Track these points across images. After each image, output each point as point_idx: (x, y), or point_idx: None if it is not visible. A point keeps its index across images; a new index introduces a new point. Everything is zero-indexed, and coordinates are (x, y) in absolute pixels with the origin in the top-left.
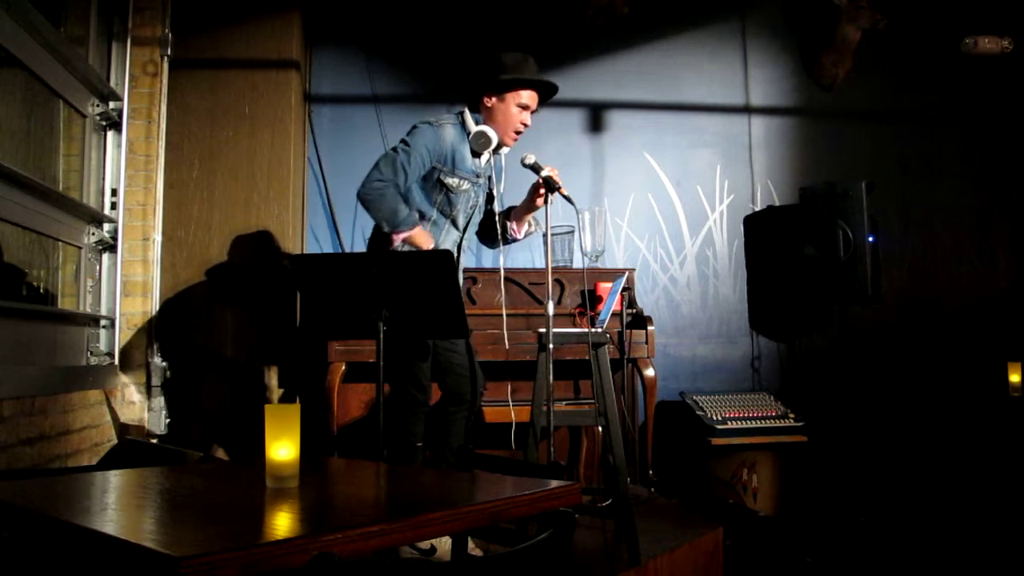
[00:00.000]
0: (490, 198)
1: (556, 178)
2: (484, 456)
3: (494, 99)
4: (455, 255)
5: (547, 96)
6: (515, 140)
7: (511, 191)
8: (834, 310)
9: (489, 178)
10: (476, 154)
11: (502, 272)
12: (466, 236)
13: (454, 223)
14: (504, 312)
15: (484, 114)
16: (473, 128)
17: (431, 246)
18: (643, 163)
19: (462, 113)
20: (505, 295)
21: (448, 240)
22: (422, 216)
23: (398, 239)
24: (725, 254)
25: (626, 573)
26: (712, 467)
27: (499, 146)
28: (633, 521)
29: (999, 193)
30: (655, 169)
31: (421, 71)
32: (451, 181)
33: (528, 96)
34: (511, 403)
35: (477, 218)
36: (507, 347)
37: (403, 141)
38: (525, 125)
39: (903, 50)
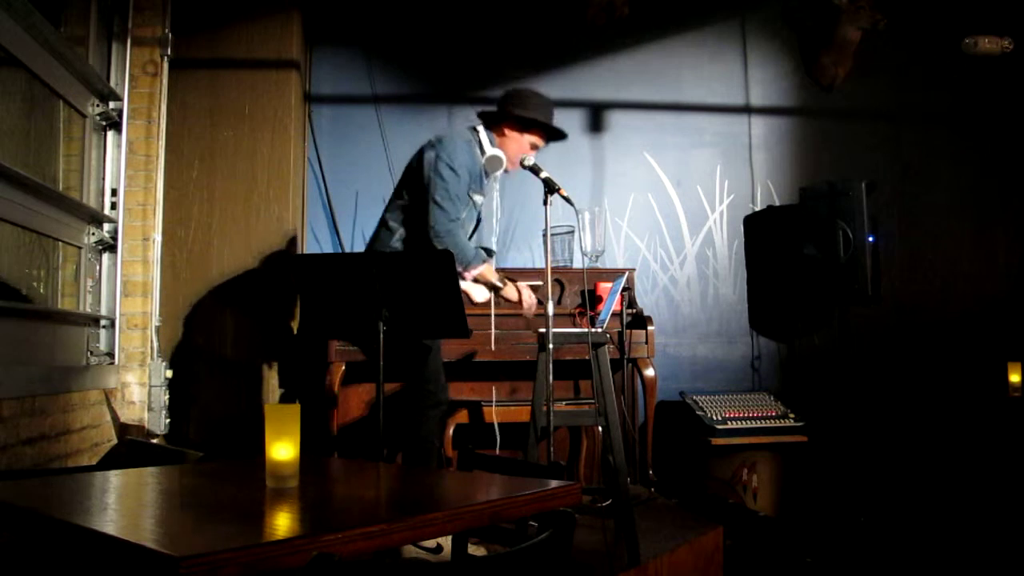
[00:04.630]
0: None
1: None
2: (484, 456)
3: (515, 131)
4: None
5: (553, 140)
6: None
7: (512, 197)
8: (834, 310)
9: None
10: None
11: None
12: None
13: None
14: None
15: (498, 137)
16: (489, 150)
17: (499, 280)
18: (643, 163)
19: (477, 130)
20: None
21: None
22: (489, 253)
23: (469, 276)
24: (725, 254)
25: (626, 573)
26: (712, 467)
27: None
28: (633, 521)
29: (999, 193)
30: (655, 169)
31: (421, 71)
32: (476, 198)
33: (541, 139)
34: (493, 403)
35: (478, 231)
36: (492, 348)
37: (448, 166)
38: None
39: (903, 50)
